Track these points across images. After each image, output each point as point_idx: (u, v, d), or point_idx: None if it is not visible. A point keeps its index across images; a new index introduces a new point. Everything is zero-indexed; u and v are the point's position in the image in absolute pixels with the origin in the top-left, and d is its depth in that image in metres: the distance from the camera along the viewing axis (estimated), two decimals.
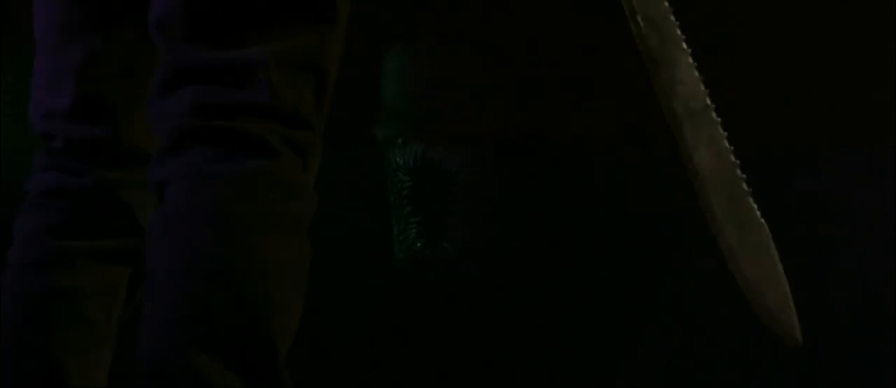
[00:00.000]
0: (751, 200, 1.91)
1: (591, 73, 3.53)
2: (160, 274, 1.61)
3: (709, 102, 1.88)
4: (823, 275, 3.49)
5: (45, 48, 2.02)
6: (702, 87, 1.89)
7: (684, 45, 1.89)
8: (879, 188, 3.46)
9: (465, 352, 3.57)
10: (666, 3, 1.89)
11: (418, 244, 3.62)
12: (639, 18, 1.87)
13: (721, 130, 1.89)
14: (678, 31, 1.88)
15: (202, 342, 1.53)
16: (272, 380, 1.58)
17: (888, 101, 3.45)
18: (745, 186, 1.90)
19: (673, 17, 1.88)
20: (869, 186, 3.48)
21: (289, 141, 1.64)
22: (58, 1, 1.98)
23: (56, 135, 2.01)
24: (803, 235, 3.49)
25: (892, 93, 3.45)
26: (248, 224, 1.59)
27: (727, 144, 1.89)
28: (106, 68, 1.98)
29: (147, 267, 1.63)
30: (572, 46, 3.54)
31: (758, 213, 1.91)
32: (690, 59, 1.89)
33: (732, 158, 1.89)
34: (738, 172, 1.90)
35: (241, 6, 1.64)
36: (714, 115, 1.89)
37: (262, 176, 1.60)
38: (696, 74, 1.89)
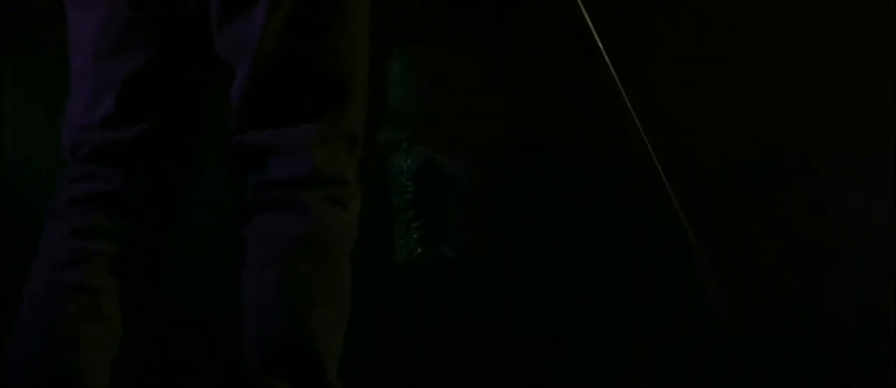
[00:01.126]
0: None
1: (594, 75, 3.53)
2: (249, 304, 2.12)
3: None
4: (823, 275, 3.50)
5: (83, 74, 2.17)
6: None
7: None
8: (879, 190, 3.47)
9: (466, 353, 3.58)
10: None
11: (419, 250, 3.61)
12: None
13: None
14: None
15: (269, 366, 2.06)
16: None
17: (887, 104, 3.46)
18: None
19: None
20: (869, 189, 3.49)
21: (327, 197, 2.12)
22: (106, 27, 2.13)
23: (87, 143, 2.14)
24: (803, 236, 3.50)
25: (891, 96, 3.46)
26: (300, 271, 2.09)
27: None
28: (147, 82, 2.13)
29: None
30: (576, 49, 3.54)
31: None
32: None
33: None
34: None
35: (284, 100, 2.12)
36: None
37: (308, 231, 2.10)
38: None
